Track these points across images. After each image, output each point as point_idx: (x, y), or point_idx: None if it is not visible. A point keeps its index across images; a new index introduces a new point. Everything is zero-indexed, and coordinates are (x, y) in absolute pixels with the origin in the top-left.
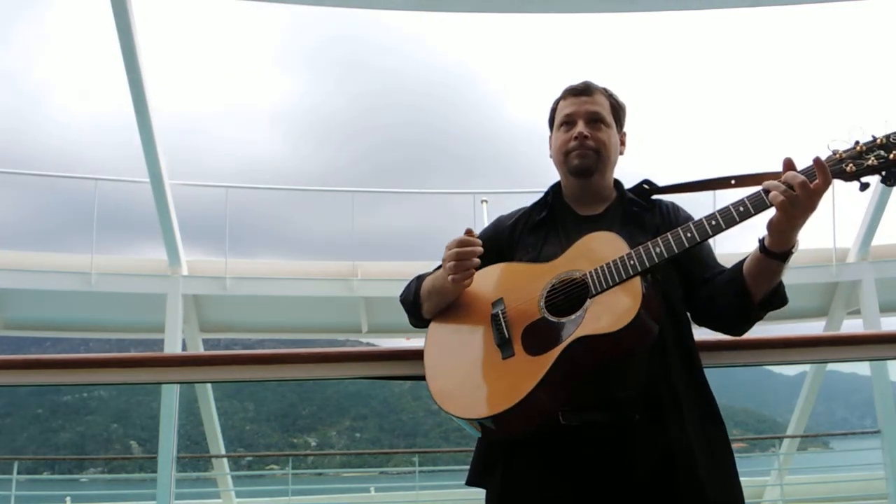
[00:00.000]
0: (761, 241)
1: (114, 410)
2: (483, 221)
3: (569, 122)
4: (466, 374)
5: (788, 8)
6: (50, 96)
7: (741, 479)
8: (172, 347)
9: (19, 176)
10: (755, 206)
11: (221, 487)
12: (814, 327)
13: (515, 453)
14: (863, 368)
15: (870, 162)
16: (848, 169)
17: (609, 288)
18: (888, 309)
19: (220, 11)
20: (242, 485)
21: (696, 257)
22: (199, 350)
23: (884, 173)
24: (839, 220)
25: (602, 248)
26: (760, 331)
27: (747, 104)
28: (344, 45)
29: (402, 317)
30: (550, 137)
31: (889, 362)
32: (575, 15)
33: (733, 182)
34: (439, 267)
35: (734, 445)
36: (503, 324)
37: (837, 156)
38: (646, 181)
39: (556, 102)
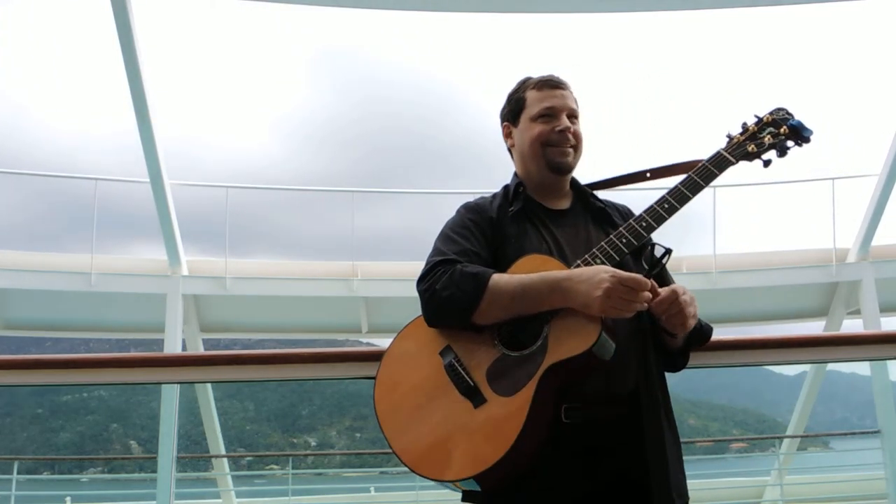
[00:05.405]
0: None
1: (114, 410)
2: None
3: (549, 115)
4: (440, 433)
5: (783, 8)
6: (44, 99)
7: (742, 478)
8: (172, 347)
9: (19, 176)
10: (679, 200)
11: (221, 487)
12: (814, 327)
13: None
14: (863, 368)
15: (766, 140)
16: (750, 149)
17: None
18: (888, 309)
19: (218, 21)
20: (242, 485)
21: None
22: (199, 350)
23: (779, 147)
24: (839, 220)
25: (543, 269)
26: (761, 331)
27: (744, 103)
28: (342, 58)
29: (402, 317)
30: (512, 128)
31: (889, 362)
32: (568, 16)
33: (648, 175)
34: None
35: (734, 445)
36: (462, 372)
37: (736, 139)
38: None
39: (523, 93)
